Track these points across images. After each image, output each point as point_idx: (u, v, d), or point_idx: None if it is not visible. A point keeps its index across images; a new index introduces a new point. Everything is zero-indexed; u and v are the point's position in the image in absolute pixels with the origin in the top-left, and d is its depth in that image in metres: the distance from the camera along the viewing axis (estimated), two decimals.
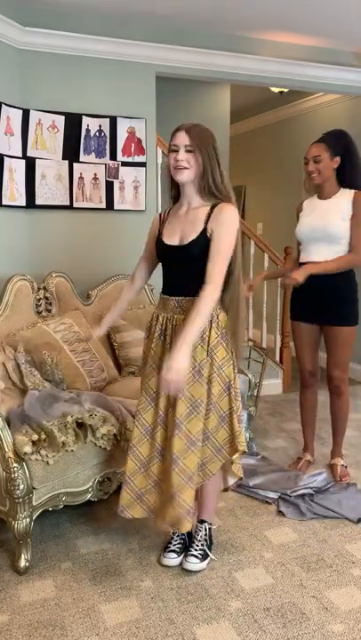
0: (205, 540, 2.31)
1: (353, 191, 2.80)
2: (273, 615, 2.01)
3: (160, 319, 2.14)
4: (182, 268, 2.08)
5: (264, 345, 4.50)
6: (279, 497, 2.80)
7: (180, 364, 1.92)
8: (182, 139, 2.02)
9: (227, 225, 2.01)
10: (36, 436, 2.22)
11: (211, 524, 2.35)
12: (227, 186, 2.07)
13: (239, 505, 2.78)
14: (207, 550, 2.30)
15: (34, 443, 2.20)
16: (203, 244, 2.02)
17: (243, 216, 6.60)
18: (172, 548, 2.30)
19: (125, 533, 2.52)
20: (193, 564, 2.24)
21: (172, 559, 2.26)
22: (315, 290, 2.85)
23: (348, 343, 2.91)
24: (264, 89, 5.06)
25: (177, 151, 2.02)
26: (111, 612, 2.02)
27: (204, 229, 2.02)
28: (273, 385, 4.51)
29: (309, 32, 3.84)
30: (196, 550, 2.27)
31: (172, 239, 2.10)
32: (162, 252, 2.14)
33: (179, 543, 2.31)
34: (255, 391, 3.60)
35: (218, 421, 2.14)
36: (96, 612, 2.02)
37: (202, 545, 2.28)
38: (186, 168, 2.02)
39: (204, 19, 3.57)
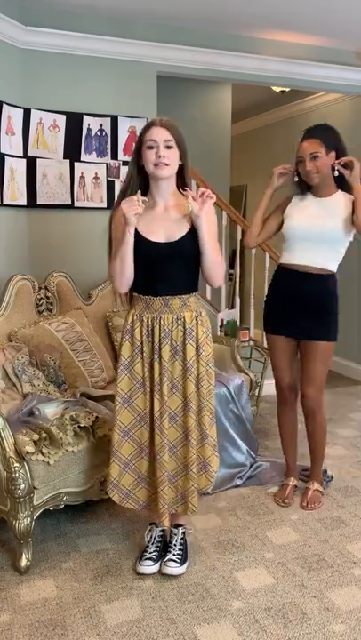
0: (182, 543, 2.29)
1: (352, 197, 2.57)
2: (274, 615, 2.00)
3: (145, 320, 2.09)
4: (171, 264, 2.06)
5: (265, 345, 4.49)
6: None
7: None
8: (162, 134, 1.99)
9: (211, 214, 2.06)
10: (36, 436, 2.22)
11: (186, 528, 2.35)
12: (189, 182, 2.12)
13: (240, 505, 2.78)
14: (186, 553, 2.28)
15: (35, 442, 2.20)
16: (193, 239, 2.04)
17: (244, 215, 6.59)
18: (149, 555, 2.25)
19: (126, 533, 2.51)
20: (173, 568, 2.21)
21: (149, 567, 2.22)
22: (294, 299, 2.64)
23: (327, 359, 2.68)
24: (266, 88, 5.05)
25: (155, 147, 1.98)
26: (112, 612, 2.02)
27: (192, 224, 2.04)
28: (274, 384, 4.50)
29: (311, 31, 3.83)
30: (174, 555, 2.24)
31: (154, 236, 2.04)
32: (146, 249, 2.04)
33: (155, 551, 2.27)
34: (256, 391, 3.60)
35: (210, 418, 2.18)
36: (97, 612, 2.02)
37: (179, 549, 2.26)
38: (167, 165, 2.00)
39: (205, 18, 3.57)
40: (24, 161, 3.43)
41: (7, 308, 3.00)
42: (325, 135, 2.58)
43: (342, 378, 4.99)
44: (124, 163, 3.70)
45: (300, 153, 2.58)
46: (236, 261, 4.50)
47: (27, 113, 3.40)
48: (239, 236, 4.42)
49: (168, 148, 1.99)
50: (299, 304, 2.65)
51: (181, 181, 2.10)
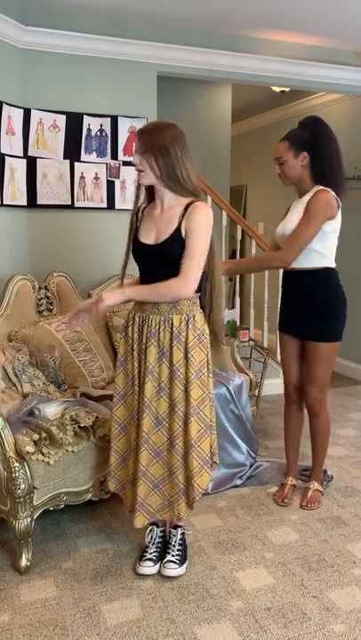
0: (181, 544, 2.28)
1: (315, 189, 2.55)
2: (274, 615, 2.00)
3: (137, 319, 2.13)
4: (157, 267, 2.07)
5: (265, 345, 4.49)
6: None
7: (107, 297, 2.01)
8: (137, 142, 2.03)
9: (200, 227, 1.99)
10: (36, 436, 2.22)
11: (185, 529, 2.34)
12: (194, 181, 2.06)
13: (240, 505, 2.78)
14: (185, 554, 2.28)
15: (35, 442, 2.20)
16: (177, 242, 2.01)
17: (244, 215, 6.60)
18: (149, 556, 2.25)
19: (126, 533, 2.51)
20: (172, 569, 2.20)
21: (149, 567, 2.22)
22: (297, 299, 2.68)
23: (330, 360, 2.68)
24: (265, 88, 5.06)
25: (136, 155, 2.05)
26: (112, 612, 2.02)
27: (178, 228, 2.01)
28: (274, 385, 4.50)
29: (311, 31, 3.83)
30: (173, 556, 2.23)
31: (147, 238, 2.09)
32: (138, 252, 2.13)
33: (155, 551, 2.27)
34: (256, 391, 3.60)
35: (202, 429, 2.09)
36: (97, 612, 2.02)
37: (178, 550, 2.26)
38: (141, 171, 2.02)
39: (205, 18, 3.57)
40: (24, 161, 3.43)
41: (7, 308, 3.01)
42: (297, 135, 2.56)
43: (342, 378, 4.99)
44: (124, 163, 3.70)
45: (274, 154, 2.63)
46: None
47: (27, 113, 3.40)
48: (239, 236, 4.42)
49: (141, 154, 2.01)
50: (298, 302, 2.69)
51: (175, 184, 2.02)
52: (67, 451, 2.29)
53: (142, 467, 2.11)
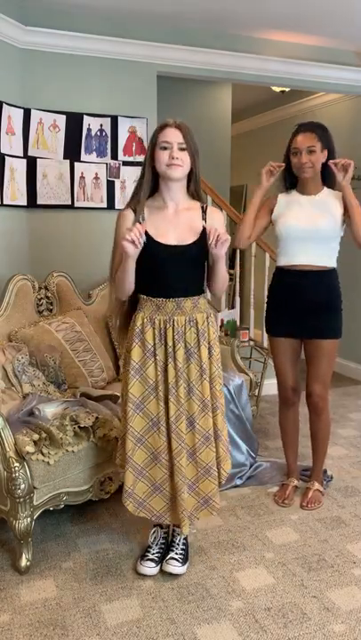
0: (185, 543, 2.29)
1: (340, 193, 2.59)
2: (274, 615, 2.00)
3: (156, 322, 2.05)
4: (182, 267, 2.05)
5: (265, 345, 4.49)
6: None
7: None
8: (176, 136, 1.99)
9: (223, 226, 2.13)
10: (36, 436, 2.22)
11: (191, 527, 2.33)
12: (200, 188, 2.14)
13: (240, 505, 2.78)
14: (187, 555, 2.28)
15: (35, 442, 2.20)
16: (203, 244, 2.04)
17: None
18: (151, 557, 2.24)
19: (126, 533, 2.51)
20: (175, 567, 2.20)
21: (151, 568, 2.22)
22: (298, 299, 2.62)
23: (332, 356, 2.68)
24: (266, 88, 5.05)
25: (168, 148, 1.98)
26: (112, 612, 2.02)
27: (204, 230, 2.04)
28: (274, 385, 4.48)
29: (311, 31, 3.83)
30: (177, 554, 2.24)
31: (165, 238, 2.03)
32: (158, 252, 2.02)
33: (157, 552, 2.26)
34: (256, 391, 3.60)
35: (223, 419, 2.19)
36: (97, 612, 2.02)
37: (182, 549, 2.26)
38: (180, 166, 1.99)
39: (205, 18, 3.57)
40: (24, 161, 3.43)
41: (7, 308, 3.00)
42: (321, 132, 2.57)
43: (342, 378, 4.99)
44: (124, 163, 3.70)
45: (296, 144, 2.56)
46: (236, 261, 4.50)
47: (27, 113, 3.40)
48: None
49: (181, 150, 1.99)
50: (305, 303, 2.63)
51: (193, 186, 2.09)
52: (67, 451, 2.29)
53: (184, 471, 2.09)
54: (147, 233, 2.01)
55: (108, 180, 3.67)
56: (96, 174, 3.64)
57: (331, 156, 2.58)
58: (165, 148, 1.98)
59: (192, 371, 2.08)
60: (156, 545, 2.28)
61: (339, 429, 3.76)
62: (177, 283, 2.06)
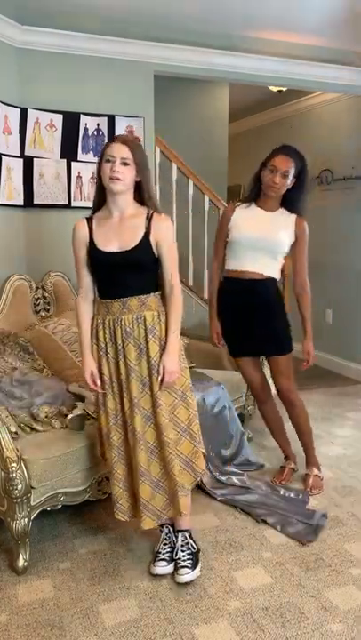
0: (190, 547, 2.27)
1: (294, 215, 2.75)
2: (272, 615, 2.01)
3: (107, 322, 2.16)
4: (125, 271, 2.13)
5: None
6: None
7: (175, 360, 2.12)
8: (120, 151, 2.08)
9: (170, 234, 2.16)
10: (13, 428, 2.30)
11: (189, 531, 2.31)
12: (155, 197, 2.24)
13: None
14: (196, 556, 2.26)
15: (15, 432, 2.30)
16: (146, 248, 2.11)
17: None
18: (162, 556, 2.25)
19: (124, 533, 2.51)
20: (186, 575, 2.18)
21: (163, 567, 2.22)
22: (246, 304, 2.78)
23: (291, 360, 2.87)
24: (263, 88, 5.05)
25: (112, 162, 2.08)
26: (110, 612, 2.02)
27: (146, 235, 2.11)
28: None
29: (309, 31, 3.83)
30: (184, 561, 2.22)
31: (109, 246, 2.12)
32: (100, 260, 2.14)
33: (168, 551, 2.26)
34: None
35: (191, 413, 2.21)
36: (95, 612, 2.02)
37: (188, 554, 2.24)
38: (120, 180, 2.08)
39: (202, 17, 3.56)
40: (21, 160, 3.42)
41: (4, 308, 3.00)
42: (299, 163, 2.70)
43: (340, 377, 4.99)
44: (123, 163, 3.69)
45: (275, 163, 2.68)
46: None
47: (23, 112, 3.39)
48: None
49: (124, 164, 2.08)
50: (253, 311, 2.78)
51: (140, 197, 2.16)
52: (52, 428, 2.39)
53: (142, 467, 2.12)
54: (93, 242, 2.15)
55: None
56: (93, 174, 3.64)
57: (300, 187, 2.73)
58: (109, 162, 2.08)
59: (143, 367, 2.14)
60: (166, 544, 2.29)
61: (336, 429, 3.77)
62: (120, 285, 2.15)
